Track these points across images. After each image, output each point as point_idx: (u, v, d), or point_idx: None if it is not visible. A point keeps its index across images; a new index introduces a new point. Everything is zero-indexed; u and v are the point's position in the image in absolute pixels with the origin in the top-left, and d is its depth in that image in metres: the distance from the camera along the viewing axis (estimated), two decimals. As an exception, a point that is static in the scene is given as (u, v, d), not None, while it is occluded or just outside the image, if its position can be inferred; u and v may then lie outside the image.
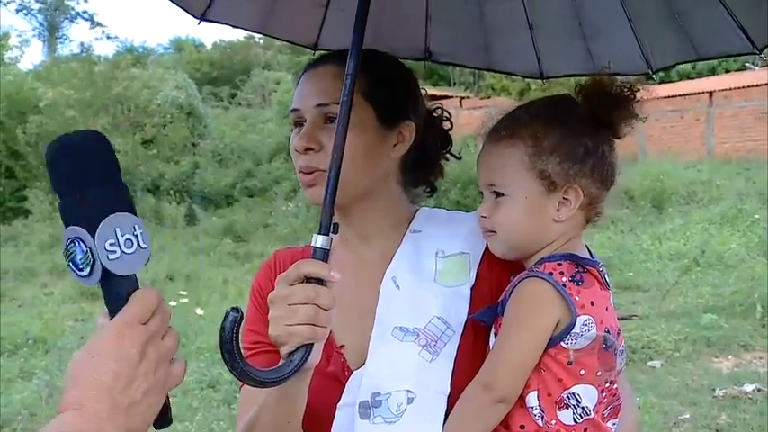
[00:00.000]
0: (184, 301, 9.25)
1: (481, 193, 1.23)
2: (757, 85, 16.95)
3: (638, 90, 1.19)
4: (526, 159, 1.16)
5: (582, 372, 1.13)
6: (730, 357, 6.00)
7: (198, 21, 1.57)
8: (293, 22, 1.65)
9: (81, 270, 0.84)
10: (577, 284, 1.14)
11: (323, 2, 1.56)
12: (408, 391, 1.14)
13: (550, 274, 1.13)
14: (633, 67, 1.56)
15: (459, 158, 1.41)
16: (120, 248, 0.83)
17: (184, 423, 5.02)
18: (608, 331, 1.15)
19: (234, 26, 1.67)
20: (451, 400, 1.15)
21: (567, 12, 1.56)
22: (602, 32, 1.57)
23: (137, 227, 0.85)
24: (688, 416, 4.83)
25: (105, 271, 0.83)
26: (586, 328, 1.12)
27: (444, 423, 1.14)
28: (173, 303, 9.18)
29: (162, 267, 11.00)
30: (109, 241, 0.83)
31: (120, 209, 0.85)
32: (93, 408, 0.78)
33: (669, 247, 9.67)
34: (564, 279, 1.13)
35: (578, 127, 1.17)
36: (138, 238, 0.85)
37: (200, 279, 10.62)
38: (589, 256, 1.21)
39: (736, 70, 22.58)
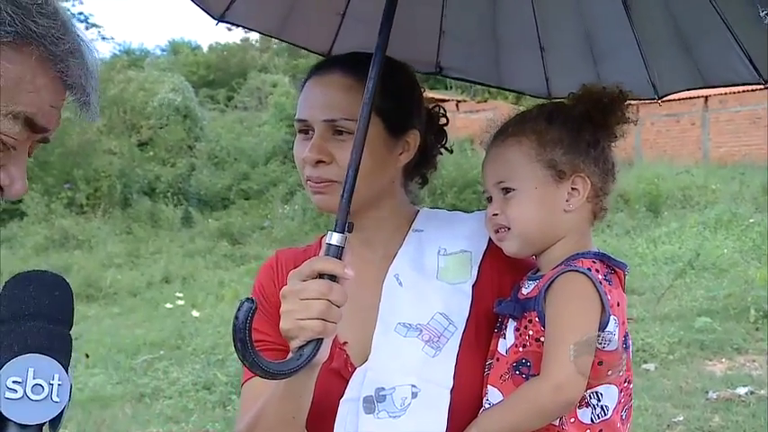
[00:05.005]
0: (180, 303, 9.24)
1: (488, 198, 1.25)
2: (752, 90, 16.99)
3: (628, 94, 1.24)
4: (532, 153, 1.20)
5: (609, 372, 1.14)
6: (724, 360, 6.02)
7: (216, 21, 1.58)
8: (309, 29, 1.66)
9: None
10: (609, 284, 1.16)
11: (340, 10, 1.58)
12: (413, 385, 1.15)
13: (589, 269, 1.15)
14: (640, 91, 1.57)
15: (451, 152, 1.42)
16: (25, 391, 0.75)
17: (180, 424, 5.01)
18: (627, 332, 1.18)
19: (251, 29, 1.70)
20: (454, 394, 1.16)
21: (578, 34, 1.58)
22: (612, 56, 1.59)
23: (57, 377, 0.76)
24: (681, 418, 4.85)
25: None
26: (615, 328, 1.14)
27: (449, 417, 1.15)
28: (168, 305, 9.18)
29: (158, 270, 11.02)
30: (13, 378, 0.74)
31: (50, 353, 0.76)
32: None
33: (664, 251, 9.70)
34: (600, 277, 1.15)
35: (577, 124, 1.22)
36: (53, 389, 0.76)
37: (195, 281, 10.62)
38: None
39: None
